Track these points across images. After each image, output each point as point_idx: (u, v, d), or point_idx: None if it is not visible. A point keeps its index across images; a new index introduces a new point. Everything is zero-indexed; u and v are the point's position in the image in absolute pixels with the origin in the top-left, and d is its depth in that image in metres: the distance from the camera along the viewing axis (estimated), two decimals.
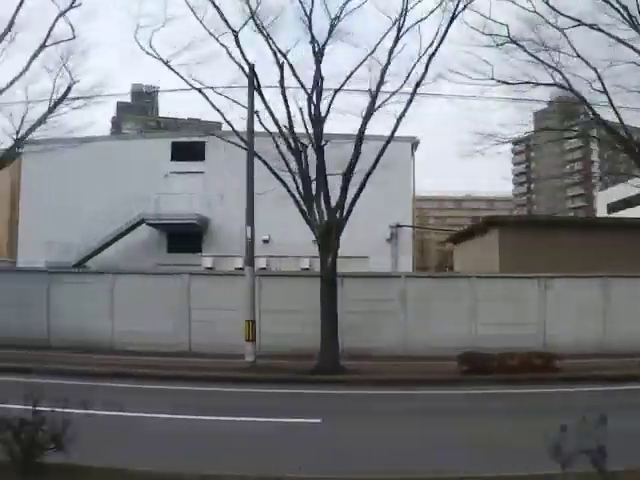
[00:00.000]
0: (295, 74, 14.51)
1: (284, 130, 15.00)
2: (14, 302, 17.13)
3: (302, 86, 14.51)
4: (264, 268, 31.87)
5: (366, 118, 14.59)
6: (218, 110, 15.30)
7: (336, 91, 14.54)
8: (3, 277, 18.53)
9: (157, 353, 15.88)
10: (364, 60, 14.35)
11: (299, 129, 15.23)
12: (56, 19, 15.81)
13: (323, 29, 15.12)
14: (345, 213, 15.28)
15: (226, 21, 14.32)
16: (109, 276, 17.33)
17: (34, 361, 14.34)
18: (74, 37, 15.90)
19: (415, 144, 36.16)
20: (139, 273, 18.45)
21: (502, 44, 16.66)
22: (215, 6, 14.08)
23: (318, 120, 14.73)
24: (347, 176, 15.01)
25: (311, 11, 14.41)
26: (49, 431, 5.26)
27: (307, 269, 29.79)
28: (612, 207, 58.11)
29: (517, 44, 16.51)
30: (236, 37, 14.39)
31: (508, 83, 16.94)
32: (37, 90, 16.93)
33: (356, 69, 14.40)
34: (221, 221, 34.05)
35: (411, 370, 14.62)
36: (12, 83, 15.88)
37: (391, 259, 34.58)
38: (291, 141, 15.09)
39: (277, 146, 15.35)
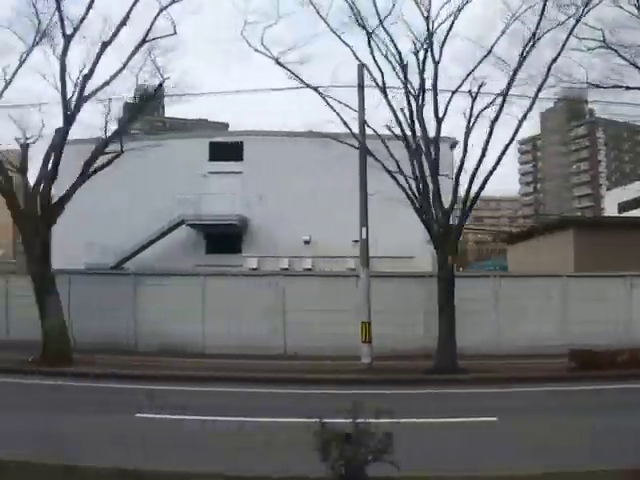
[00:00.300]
0: (405, 75, 14.48)
1: (406, 131, 14.90)
2: (100, 305, 16.89)
3: (420, 87, 14.48)
4: (310, 269, 31.76)
5: (494, 121, 14.55)
6: (334, 109, 15.08)
7: (453, 92, 14.53)
8: (88, 280, 18.21)
9: (251, 356, 15.69)
10: (480, 62, 14.38)
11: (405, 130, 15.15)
12: (157, 15, 15.58)
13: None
14: (467, 210, 15.30)
15: (361, 20, 14.28)
16: (200, 278, 17.12)
17: (137, 367, 14.17)
18: (175, 33, 15.72)
19: (454, 144, 36.23)
20: (231, 275, 18.22)
21: (594, 48, 16.59)
22: (350, 6, 14.05)
23: (438, 120, 14.72)
24: (457, 177, 15.06)
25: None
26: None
27: (353, 269, 29.72)
28: (623, 206, 58.54)
29: (611, 48, 16.47)
30: (369, 36, 14.34)
31: (600, 86, 16.93)
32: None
33: (473, 70, 14.42)
34: (260, 221, 33.87)
35: (521, 368, 14.69)
36: (113, 78, 15.64)
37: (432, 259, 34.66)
38: (411, 141, 15.02)
39: (387, 147, 15.24)
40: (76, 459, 5.82)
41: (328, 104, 14.82)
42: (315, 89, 14.79)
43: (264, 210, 33.15)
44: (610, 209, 61.36)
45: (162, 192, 32.78)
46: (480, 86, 14.49)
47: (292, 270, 29.28)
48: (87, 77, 15.43)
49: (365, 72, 15.08)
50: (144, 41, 15.77)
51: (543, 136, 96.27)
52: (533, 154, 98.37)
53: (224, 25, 20.51)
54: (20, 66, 15.72)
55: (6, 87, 15.77)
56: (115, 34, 15.36)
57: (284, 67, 14.62)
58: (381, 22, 14.44)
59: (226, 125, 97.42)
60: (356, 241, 33.26)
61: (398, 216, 29.43)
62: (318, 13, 14.37)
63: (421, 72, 14.80)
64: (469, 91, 14.64)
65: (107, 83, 15.77)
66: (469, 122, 14.89)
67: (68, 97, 15.45)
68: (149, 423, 8.42)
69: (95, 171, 16.10)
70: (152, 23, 15.62)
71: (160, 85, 16.63)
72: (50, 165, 15.62)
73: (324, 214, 31.50)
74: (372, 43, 14.53)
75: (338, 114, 14.84)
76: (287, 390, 12.32)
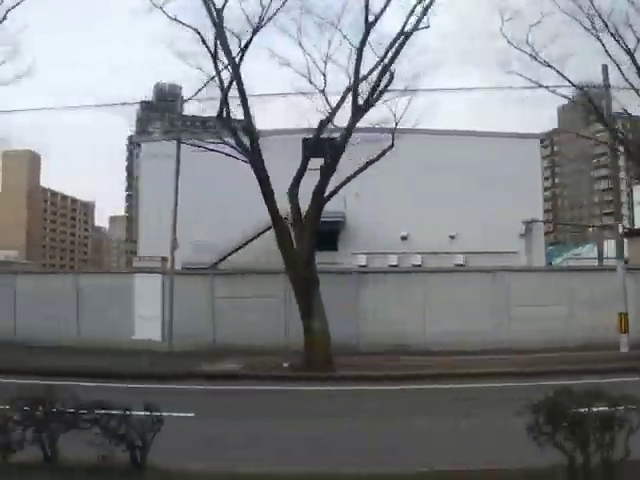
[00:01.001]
0: None
1: None
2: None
3: None
4: (462, 264, 31.54)
5: None
6: None
7: None
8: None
9: (473, 352, 15.57)
10: None
11: None
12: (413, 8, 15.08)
13: None
14: None
15: None
16: (421, 275, 16.92)
17: (391, 367, 13.89)
18: (428, 26, 15.39)
19: (542, 141, 36.55)
20: (454, 271, 18.03)
21: None
22: None
23: None
24: None
25: None
26: None
27: (461, 265, 29.70)
28: None
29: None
30: None
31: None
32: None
33: None
34: (357, 219, 33.69)
35: None
36: (370, 71, 15.14)
37: (525, 254, 34.81)
38: None
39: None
40: None
41: None
42: None
43: (360, 207, 32.97)
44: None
45: (257, 189, 32.42)
46: None
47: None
48: (386, 68, 15.02)
49: None
50: (402, 35, 15.32)
51: (561, 131, 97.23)
52: (551, 150, 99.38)
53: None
54: None
55: None
56: (416, 27, 14.85)
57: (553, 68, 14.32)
58: None
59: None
60: (452, 237, 33.53)
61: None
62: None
63: None
64: None
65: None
66: None
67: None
68: None
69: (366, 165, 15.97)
70: (408, 16, 15.16)
71: (391, 78, 15.99)
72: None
73: (419, 210, 31.48)
74: None
75: None
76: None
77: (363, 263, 31.32)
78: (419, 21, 14.52)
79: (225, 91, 15.41)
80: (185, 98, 16.43)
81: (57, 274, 20.51)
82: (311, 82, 15.46)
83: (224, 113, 15.44)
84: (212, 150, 16.90)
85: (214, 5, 14.86)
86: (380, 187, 32.69)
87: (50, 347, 16.05)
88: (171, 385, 11.95)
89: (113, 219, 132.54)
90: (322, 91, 15.84)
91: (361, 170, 15.64)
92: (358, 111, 14.98)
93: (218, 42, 14.96)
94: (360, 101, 14.97)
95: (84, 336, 16.70)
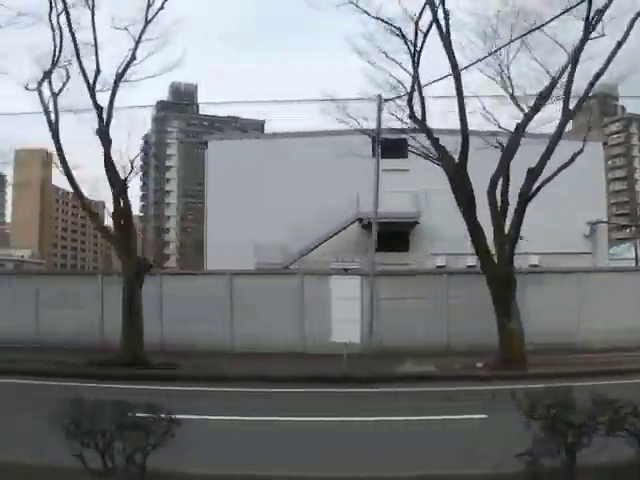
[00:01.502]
0: None
1: None
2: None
3: None
4: (536, 265, 31.81)
5: None
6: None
7: None
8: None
9: (629, 349, 15.85)
10: None
11: None
12: None
13: None
14: None
15: None
16: (575, 275, 17.22)
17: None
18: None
19: (605, 143, 37.09)
20: (604, 271, 18.34)
21: None
22: None
23: None
24: None
25: None
26: None
27: (536, 265, 30.09)
28: None
29: None
30: None
31: None
32: None
33: None
34: (427, 219, 33.94)
35: None
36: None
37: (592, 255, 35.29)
38: None
39: None
40: None
41: None
42: None
43: (429, 207, 33.22)
44: None
45: (327, 189, 32.62)
46: None
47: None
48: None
49: None
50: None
51: (575, 133, 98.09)
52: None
53: None
54: None
55: None
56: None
57: None
58: None
59: (262, 123, 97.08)
60: (521, 238, 33.87)
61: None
62: None
63: None
64: None
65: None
66: None
67: None
68: None
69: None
70: None
71: None
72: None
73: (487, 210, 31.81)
74: None
75: None
76: None
77: (442, 264, 31.57)
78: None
79: (411, 93, 15.69)
80: (384, 99, 16.35)
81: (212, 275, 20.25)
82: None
83: (415, 114, 15.77)
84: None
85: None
86: (447, 187, 33.04)
87: (208, 351, 16.01)
88: (389, 389, 12.07)
89: None
90: (512, 95, 16.07)
91: (555, 174, 15.94)
92: (568, 114, 15.21)
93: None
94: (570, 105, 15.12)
95: (246, 340, 16.71)
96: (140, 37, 15.20)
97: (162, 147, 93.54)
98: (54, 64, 15.39)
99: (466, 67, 15.76)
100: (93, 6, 14.82)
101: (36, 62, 15.55)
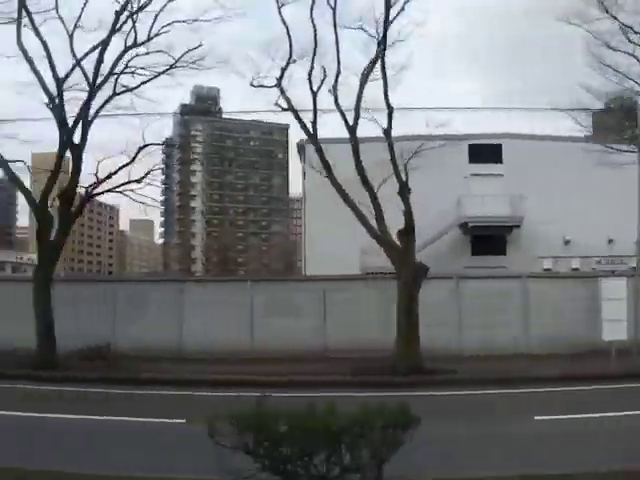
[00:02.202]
0: None
1: None
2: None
3: None
4: (576, 269, 32.27)
5: None
6: None
7: None
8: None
9: None
10: None
11: None
12: None
13: None
14: None
15: None
16: None
17: None
18: None
19: None
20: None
21: None
22: None
23: None
24: None
25: None
26: None
27: (634, 268, 30.56)
28: None
29: None
30: None
31: None
32: None
33: None
34: (524, 222, 34.29)
35: None
36: None
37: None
38: None
39: None
40: None
41: None
42: None
43: (526, 212, 33.59)
44: None
45: (425, 194, 32.83)
46: None
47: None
48: None
49: None
50: None
51: (595, 137, 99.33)
52: None
53: None
54: None
55: None
56: None
57: None
58: None
59: (286, 126, 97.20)
60: (611, 240, 34.28)
61: None
62: None
63: None
64: None
65: None
66: None
67: None
68: None
69: None
70: None
71: None
72: None
73: (580, 214, 32.25)
74: None
75: None
76: None
77: (549, 267, 31.92)
78: None
79: None
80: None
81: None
82: None
83: None
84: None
85: None
86: (544, 191, 33.47)
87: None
88: None
89: (133, 223, 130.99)
90: None
91: None
92: None
93: None
94: None
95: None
96: None
97: (186, 151, 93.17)
98: None
99: None
100: None
101: None
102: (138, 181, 15.65)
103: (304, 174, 35.78)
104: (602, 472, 5.81)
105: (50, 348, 14.43)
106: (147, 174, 15.70)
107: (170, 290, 17.51)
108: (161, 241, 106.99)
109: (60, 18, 14.62)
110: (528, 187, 33.13)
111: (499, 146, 35.76)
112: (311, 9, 14.23)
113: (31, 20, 14.37)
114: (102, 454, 7.28)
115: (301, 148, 35.80)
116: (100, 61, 14.77)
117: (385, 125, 14.95)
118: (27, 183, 16.45)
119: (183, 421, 9.00)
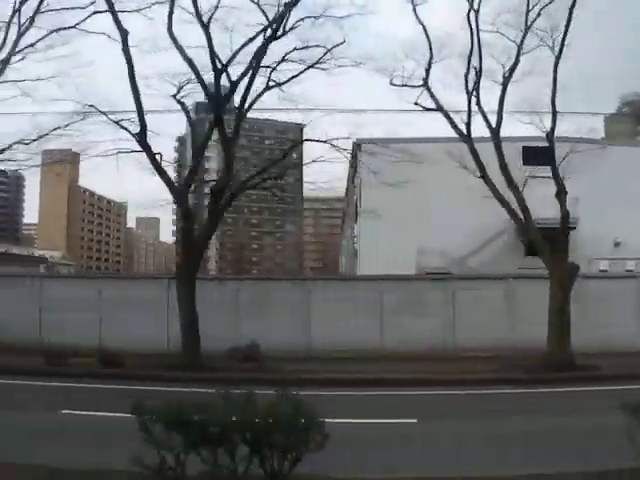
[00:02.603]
0: None
1: None
2: None
3: None
4: (630, 271, 32.64)
5: None
6: None
7: None
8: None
9: None
10: None
11: None
12: None
13: None
14: None
15: None
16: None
17: None
18: None
19: None
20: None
21: None
22: None
23: None
24: None
25: None
26: None
27: None
28: None
29: None
30: None
31: None
32: None
33: None
34: (580, 225, 34.57)
35: None
36: None
37: None
38: None
39: None
40: None
41: None
42: None
43: (579, 213, 33.86)
44: None
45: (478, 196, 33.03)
46: None
47: None
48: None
49: None
50: None
51: (609, 139, 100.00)
52: None
53: None
54: None
55: None
56: None
57: None
58: None
59: (299, 126, 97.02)
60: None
61: None
62: None
63: None
64: None
65: None
66: None
67: None
68: None
69: None
70: None
71: None
72: None
73: (631, 216, 32.62)
74: None
75: None
76: None
77: (604, 268, 32.22)
78: None
79: None
80: None
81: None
82: None
83: None
84: None
85: None
86: (595, 193, 33.79)
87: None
88: None
89: (140, 220, 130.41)
90: None
91: None
92: None
93: None
94: None
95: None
96: None
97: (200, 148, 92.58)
98: None
99: None
100: None
101: None
102: (278, 178, 15.57)
103: (351, 176, 35.90)
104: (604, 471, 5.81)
105: (195, 349, 14.30)
106: (286, 170, 15.55)
107: (295, 290, 17.54)
108: (173, 239, 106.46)
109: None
110: (578, 189, 33.47)
111: (552, 148, 35.97)
112: (468, 12, 14.39)
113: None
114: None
115: (356, 148, 35.90)
116: (262, 53, 14.73)
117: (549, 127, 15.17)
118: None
119: (414, 420, 9.07)
